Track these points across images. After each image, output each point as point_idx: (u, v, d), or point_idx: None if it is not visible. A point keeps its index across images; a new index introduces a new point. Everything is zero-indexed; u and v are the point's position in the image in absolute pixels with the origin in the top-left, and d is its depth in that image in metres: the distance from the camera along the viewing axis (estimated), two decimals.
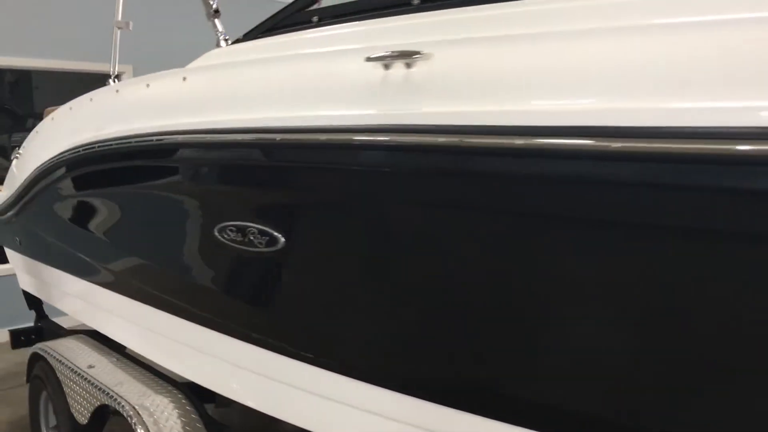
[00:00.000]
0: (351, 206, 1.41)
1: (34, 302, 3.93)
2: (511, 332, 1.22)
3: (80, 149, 2.25)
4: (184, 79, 1.87)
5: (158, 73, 2.04)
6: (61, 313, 3.42)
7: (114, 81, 2.61)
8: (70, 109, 2.57)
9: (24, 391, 4.74)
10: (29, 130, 6.34)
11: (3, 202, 3.30)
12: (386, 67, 1.27)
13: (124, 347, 2.93)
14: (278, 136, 1.47)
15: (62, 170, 2.40)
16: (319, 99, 1.42)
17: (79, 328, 3.58)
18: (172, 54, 6.86)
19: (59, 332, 3.68)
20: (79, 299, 2.95)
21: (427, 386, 1.39)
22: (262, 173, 1.62)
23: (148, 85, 2.03)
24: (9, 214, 3.29)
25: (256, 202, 1.67)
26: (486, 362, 1.29)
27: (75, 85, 6.71)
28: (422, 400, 1.38)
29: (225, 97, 1.73)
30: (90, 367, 2.66)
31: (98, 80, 6.91)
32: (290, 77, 1.54)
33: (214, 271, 1.93)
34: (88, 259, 2.65)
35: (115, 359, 2.74)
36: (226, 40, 1.97)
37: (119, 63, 6.71)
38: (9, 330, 3.87)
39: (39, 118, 6.65)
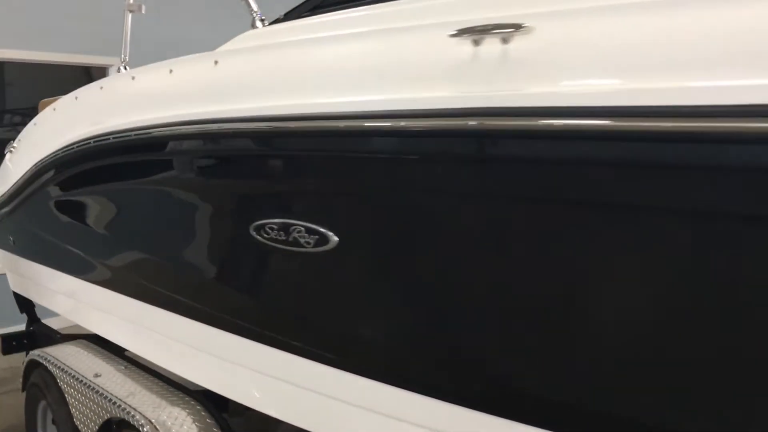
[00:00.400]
0: (428, 203, 1.25)
1: (25, 305, 3.72)
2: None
3: (91, 141, 2.07)
4: (216, 63, 1.70)
5: (181, 58, 1.87)
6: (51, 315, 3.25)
7: (125, 68, 2.43)
8: (76, 98, 2.38)
9: (13, 398, 4.54)
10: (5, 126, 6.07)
11: None
12: (476, 43, 1.11)
13: (123, 350, 2.77)
14: (342, 123, 1.31)
15: (70, 164, 2.22)
16: (390, 81, 1.27)
17: (74, 333, 3.40)
18: (164, 47, 6.66)
19: (53, 336, 3.48)
20: (82, 302, 2.76)
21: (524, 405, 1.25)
22: (312, 165, 1.46)
23: (171, 71, 1.86)
24: (2, 211, 3.09)
25: (305, 198, 1.52)
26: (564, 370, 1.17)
27: (50, 79, 6.52)
28: (506, 420, 1.24)
29: (266, 81, 1.57)
30: (96, 375, 2.48)
31: (78, 74, 6.65)
32: (349, 58, 1.38)
33: (247, 274, 1.76)
34: (96, 260, 2.47)
35: (122, 367, 2.56)
36: (262, 20, 1.81)
37: (108, 56, 6.52)
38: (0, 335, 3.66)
39: (13, 113, 6.43)
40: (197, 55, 1.80)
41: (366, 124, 1.27)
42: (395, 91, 1.26)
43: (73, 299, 2.87)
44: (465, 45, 1.13)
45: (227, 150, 1.65)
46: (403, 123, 1.19)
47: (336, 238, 1.44)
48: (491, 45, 1.10)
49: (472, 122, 1.09)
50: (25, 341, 3.63)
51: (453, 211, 1.23)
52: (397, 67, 1.26)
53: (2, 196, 3.00)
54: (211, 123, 1.64)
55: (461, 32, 1.14)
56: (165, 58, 1.92)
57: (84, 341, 2.94)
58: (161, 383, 2.42)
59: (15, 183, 2.77)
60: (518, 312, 1.19)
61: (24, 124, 6.43)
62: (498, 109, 1.04)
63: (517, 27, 1.06)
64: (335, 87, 1.38)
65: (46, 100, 3.33)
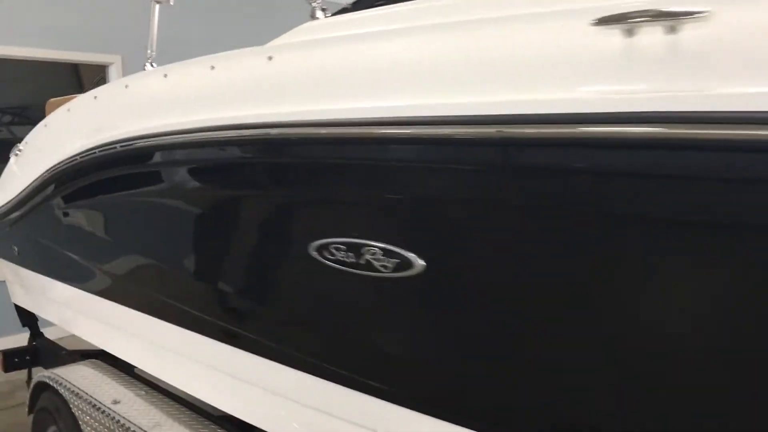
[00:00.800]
0: (558, 224, 1.05)
1: (27, 319, 3.50)
2: None
3: (117, 145, 1.86)
4: (270, 58, 1.49)
5: (224, 54, 1.66)
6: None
7: (151, 65, 2.21)
8: (95, 98, 2.16)
9: (12, 416, 4.30)
10: None
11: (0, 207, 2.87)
12: (629, 33, 0.92)
13: (132, 368, 2.56)
14: (445, 130, 1.11)
15: (91, 170, 2.00)
16: (502, 79, 1.07)
17: (79, 348, 3.17)
18: (164, 45, 6.43)
19: (59, 353, 3.26)
20: (95, 319, 2.54)
21: None
22: (397, 176, 1.26)
23: (213, 67, 1.65)
24: (7, 219, 2.86)
25: (384, 215, 1.31)
26: None
27: (38, 77, 6.26)
28: None
29: (332, 80, 1.36)
30: (115, 402, 2.26)
31: (65, 72, 6.32)
32: (444, 54, 1.18)
33: (305, 299, 1.55)
34: (114, 276, 2.25)
35: (142, 392, 2.34)
36: (324, 10, 1.60)
37: (107, 53, 6.27)
38: (0, 351, 3.42)
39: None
40: (246, 50, 1.60)
41: (476, 131, 1.07)
42: (507, 91, 1.06)
43: (83, 315, 2.65)
44: (613, 36, 0.93)
45: (285, 157, 1.45)
46: (530, 130, 0.99)
47: (422, 262, 1.24)
48: (652, 35, 0.90)
49: (650, 129, 0.89)
50: (27, 357, 3.41)
51: (594, 236, 1.03)
52: (515, 62, 1.06)
53: (7, 203, 2.77)
54: (266, 127, 1.43)
55: (607, 21, 0.94)
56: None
57: (96, 361, 2.71)
58: (185, 410, 2.21)
59: (23, 189, 2.55)
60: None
61: (12, 123, 6.21)
62: (682, 115, 0.84)
63: (689, 14, 0.87)
64: (426, 87, 1.18)
65: (54, 100, 3.11)
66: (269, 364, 1.67)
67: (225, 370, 1.89)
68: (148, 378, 2.47)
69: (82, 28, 6.02)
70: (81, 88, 6.38)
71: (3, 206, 2.83)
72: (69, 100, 2.64)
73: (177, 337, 1.96)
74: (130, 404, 2.25)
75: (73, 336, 2.88)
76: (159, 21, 2.20)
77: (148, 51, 2.21)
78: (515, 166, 1.05)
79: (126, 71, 6.24)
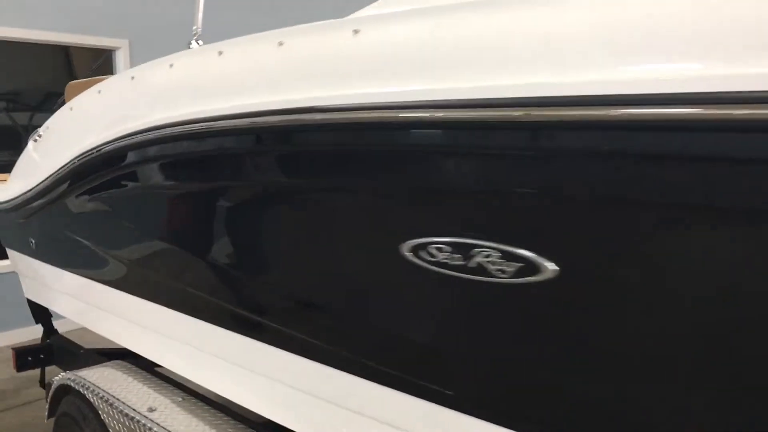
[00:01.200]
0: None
1: (41, 315, 3.31)
2: None
3: (166, 130, 1.68)
4: (356, 32, 1.31)
5: (293, 28, 1.48)
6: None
7: (197, 43, 2.02)
8: (132, 78, 1.98)
9: (15, 417, 4.11)
10: None
11: (16, 196, 2.67)
12: None
13: (156, 366, 2.39)
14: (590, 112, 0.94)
15: (136, 156, 1.81)
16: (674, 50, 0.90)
17: (99, 348, 2.99)
18: (170, 29, 6.21)
19: (76, 351, 3.08)
20: (124, 318, 2.35)
21: None
22: (520, 166, 1.08)
23: (281, 43, 1.47)
24: (24, 210, 2.67)
25: (505, 210, 1.14)
26: None
27: (25, 62, 6.01)
28: None
29: (436, 55, 1.19)
30: (151, 410, 2.08)
31: (54, 55, 6.00)
32: (591, 19, 1.00)
33: (394, 304, 1.38)
34: (149, 272, 2.07)
35: (179, 398, 2.16)
36: None
37: (114, 37, 6.04)
38: (12, 348, 3.23)
39: None
40: (321, 23, 1.42)
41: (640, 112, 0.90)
42: (682, 67, 0.89)
43: (110, 313, 2.46)
44: None
45: (379, 143, 1.27)
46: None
47: (554, 267, 1.07)
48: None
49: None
50: (41, 356, 3.22)
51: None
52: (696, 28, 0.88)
53: (25, 192, 2.58)
54: (353, 110, 1.26)
55: None
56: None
57: (121, 362, 2.53)
58: (227, 419, 2.04)
59: (46, 178, 2.36)
60: None
61: (7, 110, 5.96)
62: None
63: None
64: (569, 59, 1.01)
65: (75, 82, 2.92)
66: (341, 375, 1.51)
67: (279, 378, 1.72)
68: (177, 380, 2.30)
69: (88, 10, 5.78)
70: (71, 72, 6.17)
71: (20, 196, 2.63)
72: (93, 82, 2.45)
73: (232, 341, 1.79)
74: (168, 412, 2.07)
75: (84, 330, 2.71)
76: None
77: (194, 27, 2.02)
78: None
79: (134, 56, 6.03)
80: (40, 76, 6.25)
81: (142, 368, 2.43)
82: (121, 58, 6.02)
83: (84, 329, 2.74)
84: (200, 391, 2.20)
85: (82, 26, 5.80)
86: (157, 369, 2.44)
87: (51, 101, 6.53)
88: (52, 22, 5.61)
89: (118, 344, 2.49)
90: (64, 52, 6.16)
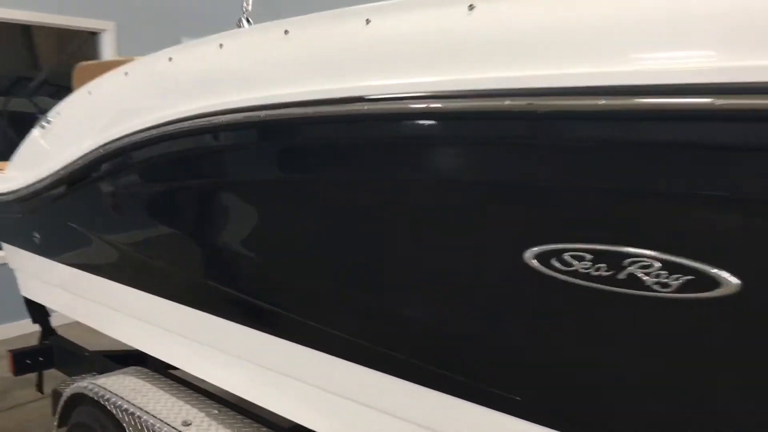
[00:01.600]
0: None
1: (39, 315, 3.09)
2: None
3: (214, 116, 1.50)
4: (471, 7, 1.15)
5: (378, 4, 1.31)
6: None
7: (247, 21, 1.83)
8: (170, 59, 1.78)
9: (5, 420, 3.85)
10: None
11: (21, 187, 2.45)
12: None
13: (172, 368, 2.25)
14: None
15: (181, 144, 1.62)
16: None
17: (105, 350, 2.79)
18: (159, 11, 5.92)
19: (79, 353, 2.87)
20: (143, 319, 2.16)
21: None
22: (695, 160, 0.94)
23: (370, 21, 1.30)
24: (29, 203, 2.45)
25: (667, 212, 0.99)
26: None
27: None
28: None
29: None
30: (186, 424, 1.90)
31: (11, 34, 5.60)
32: None
33: (520, 320, 1.21)
34: (181, 271, 1.89)
35: (215, 410, 1.98)
36: None
37: (100, 19, 5.75)
38: (9, 351, 3.00)
39: None
40: None
41: None
42: None
43: (124, 314, 2.26)
44: None
45: (506, 134, 1.11)
46: None
47: (735, 281, 0.92)
48: None
49: None
50: (40, 358, 3.00)
51: None
52: None
53: (33, 184, 2.36)
54: (442, 99, 1.11)
55: None
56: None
57: (141, 369, 2.34)
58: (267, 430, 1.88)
59: (59, 169, 2.15)
60: None
61: None
62: None
63: None
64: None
65: (85, 64, 2.69)
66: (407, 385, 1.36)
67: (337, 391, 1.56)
68: (205, 387, 2.12)
69: None
70: (33, 54, 5.87)
71: (26, 187, 2.41)
72: (105, 64, 2.25)
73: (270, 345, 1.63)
74: (205, 426, 1.89)
75: (81, 329, 2.51)
76: None
77: (243, 5, 1.82)
78: None
79: (121, 39, 5.75)
80: (4, 58, 5.93)
81: (164, 375, 2.24)
82: (107, 41, 5.73)
83: (81, 328, 2.54)
84: (232, 400, 2.03)
85: (65, 7, 5.50)
86: (171, 372, 2.28)
87: (22, 84, 6.21)
88: (33, 1, 5.30)
89: (126, 346, 2.32)
90: (26, 33, 5.85)
